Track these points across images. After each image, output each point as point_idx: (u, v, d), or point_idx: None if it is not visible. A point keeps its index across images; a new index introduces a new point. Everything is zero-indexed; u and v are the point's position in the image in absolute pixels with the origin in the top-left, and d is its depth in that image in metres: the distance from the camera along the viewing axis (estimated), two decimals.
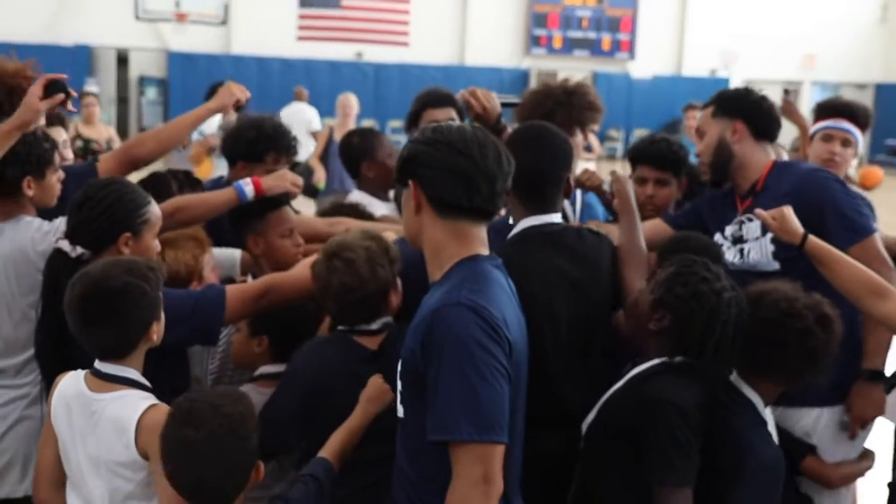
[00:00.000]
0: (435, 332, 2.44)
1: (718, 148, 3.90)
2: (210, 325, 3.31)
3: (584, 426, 3.17)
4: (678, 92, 28.16)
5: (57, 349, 3.17)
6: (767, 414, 3.14)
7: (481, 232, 2.65)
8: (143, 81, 28.13)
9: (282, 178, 3.90)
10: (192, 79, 24.20)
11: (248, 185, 3.83)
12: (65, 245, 3.26)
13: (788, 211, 3.47)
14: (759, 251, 3.75)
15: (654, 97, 28.85)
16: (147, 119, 27.84)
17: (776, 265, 3.70)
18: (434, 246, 2.62)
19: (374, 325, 3.19)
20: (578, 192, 4.52)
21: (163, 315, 2.95)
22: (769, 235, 3.68)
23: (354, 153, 5.16)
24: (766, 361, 3.07)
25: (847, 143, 4.85)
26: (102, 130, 10.39)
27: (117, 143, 10.14)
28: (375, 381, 3.04)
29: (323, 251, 3.21)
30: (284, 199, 3.95)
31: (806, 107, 20.74)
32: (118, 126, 28.11)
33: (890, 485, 4.24)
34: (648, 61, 29.73)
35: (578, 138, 4.36)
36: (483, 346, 2.40)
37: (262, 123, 4.50)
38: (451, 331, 2.41)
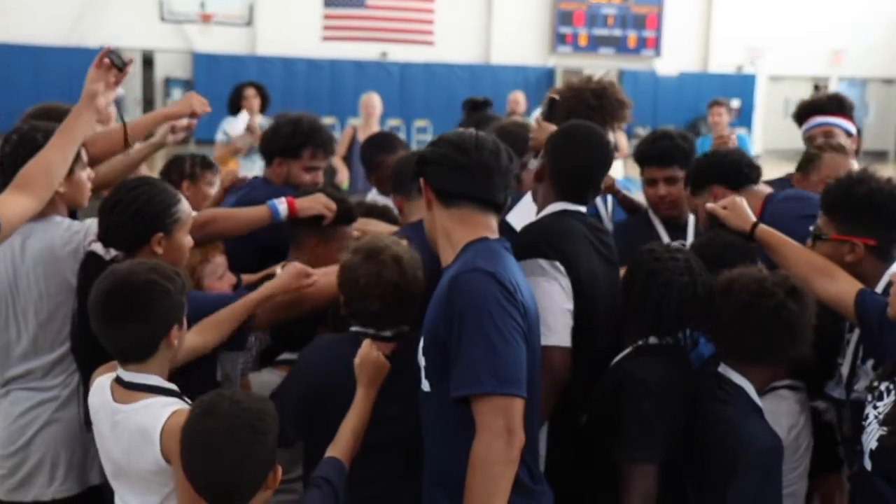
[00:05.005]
0: (455, 297, 2.67)
1: (710, 219, 3.86)
2: (238, 330, 3.33)
3: (583, 419, 3.31)
4: (705, 88, 27.99)
5: (93, 348, 3.17)
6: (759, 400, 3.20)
7: (488, 219, 2.90)
8: (168, 83, 28.21)
9: (316, 201, 3.94)
10: (217, 80, 24.20)
11: (282, 205, 3.90)
12: (98, 248, 3.30)
13: (741, 200, 3.65)
14: None
15: (680, 94, 28.72)
16: None
17: None
18: (445, 232, 2.87)
19: (388, 332, 3.17)
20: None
21: (185, 322, 2.95)
22: None
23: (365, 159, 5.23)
24: (748, 346, 3.16)
25: (829, 134, 4.84)
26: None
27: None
28: (369, 357, 3.04)
29: (363, 250, 3.22)
30: (354, 214, 3.96)
31: None
32: None
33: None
34: (674, 58, 29.57)
35: (610, 137, 4.39)
36: (501, 306, 2.63)
37: (300, 120, 4.57)
38: (470, 294, 2.65)
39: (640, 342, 3.24)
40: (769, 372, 3.23)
